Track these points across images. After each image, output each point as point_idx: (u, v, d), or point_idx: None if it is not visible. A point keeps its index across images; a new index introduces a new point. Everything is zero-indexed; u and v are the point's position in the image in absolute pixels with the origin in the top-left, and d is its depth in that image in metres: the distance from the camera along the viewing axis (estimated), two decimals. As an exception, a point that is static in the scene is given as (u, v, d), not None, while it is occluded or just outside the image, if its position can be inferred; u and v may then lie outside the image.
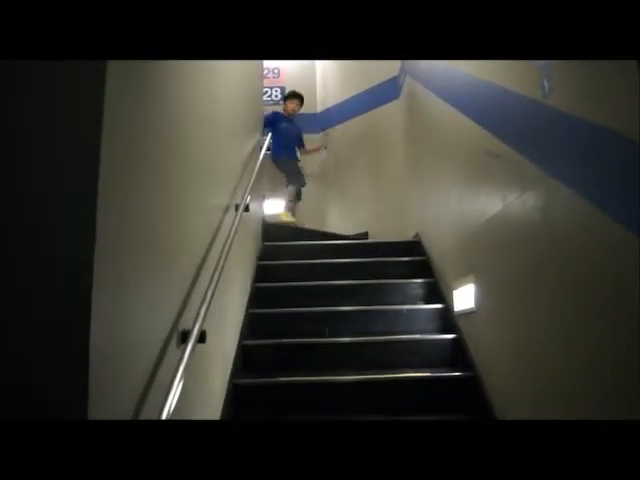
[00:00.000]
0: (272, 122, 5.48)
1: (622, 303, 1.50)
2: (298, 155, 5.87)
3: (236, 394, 2.67)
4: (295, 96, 5.84)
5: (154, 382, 1.42)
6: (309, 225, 5.41)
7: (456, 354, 3.02)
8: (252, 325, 3.31)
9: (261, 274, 3.88)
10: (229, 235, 2.39)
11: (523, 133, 2.15)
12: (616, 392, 1.58)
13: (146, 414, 1.32)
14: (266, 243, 4.42)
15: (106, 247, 1.11)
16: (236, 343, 2.97)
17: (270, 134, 4.96)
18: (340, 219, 6.03)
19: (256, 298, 3.57)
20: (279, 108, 5.98)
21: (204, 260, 2.07)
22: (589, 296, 1.67)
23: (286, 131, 5.61)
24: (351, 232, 5.39)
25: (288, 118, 5.75)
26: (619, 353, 1.53)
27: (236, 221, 2.59)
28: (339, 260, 3.97)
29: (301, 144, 5.91)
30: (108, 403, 1.13)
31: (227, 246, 2.26)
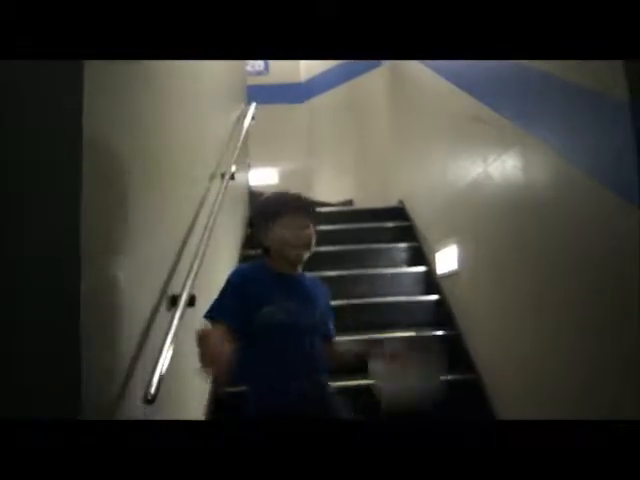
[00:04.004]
0: (242, 298, 1.50)
1: (602, 257, 1.57)
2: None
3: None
4: (299, 211, 1.61)
5: (145, 346, 1.46)
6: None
7: (439, 314, 3.11)
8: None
9: (249, 242, 3.91)
10: (215, 202, 2.42)
11: (504, 94, 2.18)
12: (599, 345, 1.66)
13: (137, 379, 1.35)
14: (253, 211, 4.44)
15: (94, 213, 1.14)
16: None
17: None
18: (325, 187, 6.05)
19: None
20: (262, 80, 5.78)
21: (192, 226, 2.11)
22: (570, 253, 1.74)
23: (286, 330, 1.51)
24: (337, 199, 5.42)
25: (288, 278, 1.61)
26: (600, 302, 1.60)
27: (222, 189, 2.61)
28: (324, 227, 4.01)
29: (327, 331, 1.67)
30: (99, 368, 1.16)
31: (214, 212, 2.30)
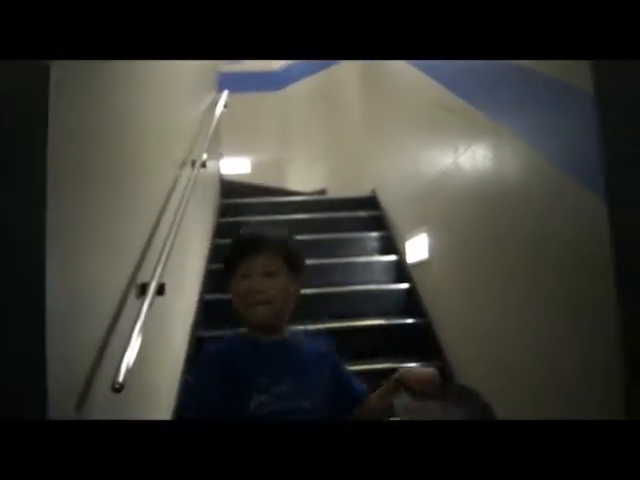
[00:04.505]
0: (223, 388, 1.12)
1: (568, 246, 1.61)
2: None
3: (198, 346, 2.72)
4: (254, 253, 1.19)
5: (113, 335, 1.44)
6: (268, 183, 5.41)
7: (410, 302, 3.14)
8: (213, 280, 3.34)
9: (221, 231, 3.89)
10: (186, 190, 2.39)
11: (475, 84, 2.21)
12: (565, 331, 1.70)
13: (105, 368, 1.34)
14: (224, 200, 4.41)
15: (60, 201, 1.12)
16: (197, 298, 3.01)
17: None
18: (298, 176, 6.05)
19: (216, 254, 3.59)
20: (235, 68, 5.69)
21: (162, 214, 2.08)
22: (537, 243, 1.78)
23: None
24: (309, 189, 5.42)
25: (271, 348, 1.20)
26: (565, 290, 1.65)
27: (193, 177, 2.59)
28: (297, 216, 4.02)
29: (355, 395, 1.27)
30: (65, 358, 1.14)
31: (184, 200, 2.27)
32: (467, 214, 2.35)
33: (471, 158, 2.26)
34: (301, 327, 1.29)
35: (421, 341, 2.85)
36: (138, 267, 1.74)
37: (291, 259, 1.19)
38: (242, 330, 1.22)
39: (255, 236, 1.21)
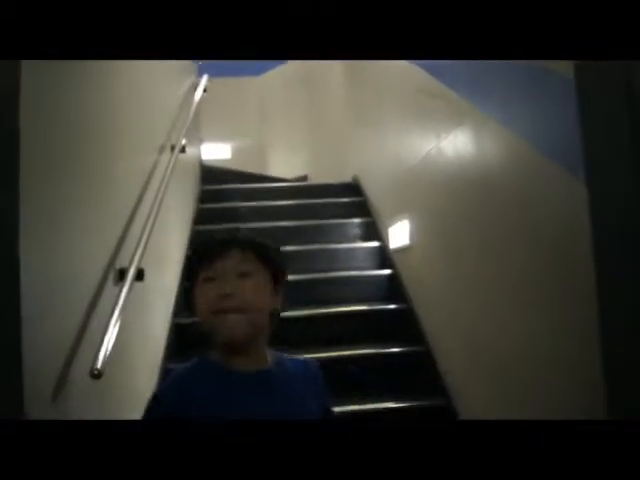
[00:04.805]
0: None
1: (549, 231, 1.61)
2: None
3: (178, 333, 2.70)
4: (223, 251, 0.96)
5: (91, 321, 1.42)
6: (249, 169, 5.36)
7: (392, 288, 3.15)
8: (193, 267, 3.32)
9: (201, 217, 3.85)
10: (165, 175, 2.35)
11: (456, 70, 2.20)
12: (546, 316, 1.72)
13: (83, 355, 1.31)
14: (205, 187, 4.37)
15: (34, 179, 1.09)
16: (177, 284, 2.98)
17: None
18: (280, 163, 6.01)
19: (196, 240, 3.55)
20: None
21: (141, 198, 2.05)
22: (519, 227, 1.78)
23: None
24: (291, 175, 5.39)
25: (247, 380, 0.95)
26: (547, 274, 1.66)
27: (172, 162, 2.54)
28: (279, 202, 3.99)
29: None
30: (42, 345, 1.12)
31: (163, 185, 2.24)
32: (449, 200, 2.35)
33: (453, 144, 2.26)
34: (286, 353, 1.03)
35: (403, 327, 2.86)
36: (116, 253, 1.71)
37: (270, 263, 0.96)
38: (212, 355, 0.96)
39: (225, 235, 0.98)
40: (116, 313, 1.47)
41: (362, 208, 3.95)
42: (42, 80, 1.16)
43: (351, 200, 4.07)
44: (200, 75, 4.64)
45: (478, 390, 2.17)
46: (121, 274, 1.69)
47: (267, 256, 0.97)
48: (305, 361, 1.05)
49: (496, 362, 1.96)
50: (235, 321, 0.90)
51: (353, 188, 4.23)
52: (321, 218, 3.82)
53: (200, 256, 0.96)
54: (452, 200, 2.32)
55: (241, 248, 0.95)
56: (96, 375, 1.26)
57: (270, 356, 0.98)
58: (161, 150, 2.61)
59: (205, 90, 4.06)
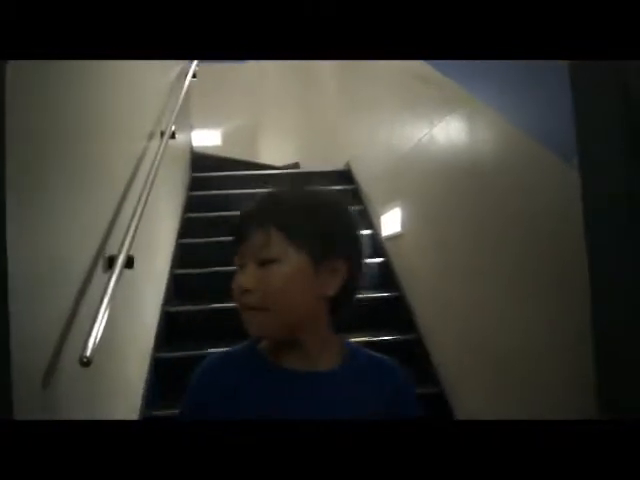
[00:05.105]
0: None
1: (542, 218, 1.61)
2: None
3: (168, 321, 2.68)
4: (246, 231, 0.75)
5: (81, 309, 1.40)
6: (240, 156, 5.32)
7: (384, 276, 3.15)
8: (183, 254, 3.29)
9: (191, 204, 3.82)
10: (154, 161, 2.32)
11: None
12: (538, 305, 1.72)
13: (72, 343, 1.30)
14: (195, 174, 4.33)
15: (20, 166, 1.06)
16: (167, 272, 2.96)
17: None
18: (271, 150, 5.96)
19: (186, 228, 3.53)
20: None
21: (130, 185, 2.02)
22: (511, 215, 1.77)
23: None
24: (282, 162, 5.35)
25: (302, 382, 0.76)
26: (540, 262, 1.65)
27: (162, 148, 2.51)
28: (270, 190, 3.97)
29: None
30: (30, 332, 1.10)
31: (153, 171, 2.21)
32: (442, 188, 2.34)
33: (445, 130, 2.25)
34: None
35: (395, 314, 2.86)
36: (105, 240, 1.68)
37: (307, 241, 0.72)
38: (263, 343, 0.79)
39: (248, 206, 0.77)
40: (105, 301, 1.46)
41: (354, 195, 3.93)
42: (25, 65, 1.12)
43: (343, 187, 4.05)
44: (190, 60, 4.58)
45: (470, 380, 2.18)
46: (110, 261, 1.67)
47: (301, 233, 0.72)
48: (388, 368, 0.80)
49: (489, 354, 1.97)
50: (257, 321, 0.73)
51: (345, 175, 4.21)
52: (313, 206, 3.81)
53: (234, 239, 0.76)
54: (445, 188, 2.31)
55: (262, 226, 0.72)
56: (85, 363, 1.25)
57: (339, 354, 0.78)
58: (150, 136, 2.57)
59: (195, 76, 4.00)
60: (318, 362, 0.76)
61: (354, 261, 0.76)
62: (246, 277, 0.73)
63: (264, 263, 0.72)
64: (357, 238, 0.80)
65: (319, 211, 0.76)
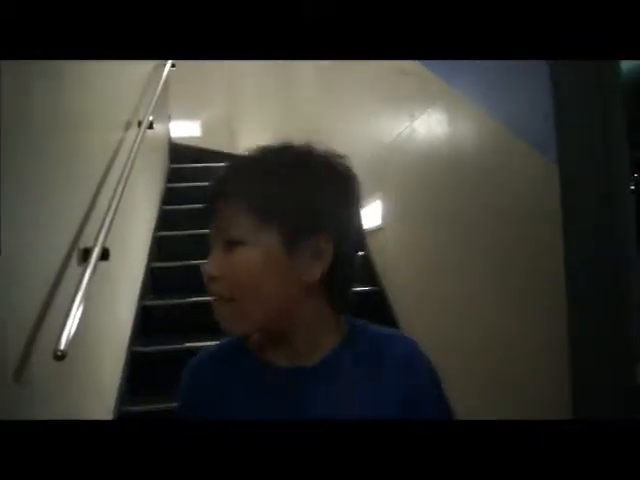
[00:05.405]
0: None
1: (521, 212, 1.62)
2: None
3: (145, 315, 2.65)
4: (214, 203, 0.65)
5: (54, 302, 1.37)
6: (219, 147, 5.26)
7: (364, 271, 3.14)
8: (161, 248, 3.25)
9: (170, 196, 3.77)
10: (131, 151, 2.28)
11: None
12: (516, 297, 1.73)
13: (46, 336, 1.27)
14: (173, 165, 4.27)
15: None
16: (144, 265, 2.91)
17: None
18: (251, 141, 5.89)
19: (164, 221, 3.48)
20: None
21: (106, 175, 1.98)
22: (491, 208, 1.78)
23: None
24: (262, 156, 5.31)
25: (290, 379, 0.66)
26: (517, 256, 1.66)
27: (139, 138, 2.46)
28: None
29: None
30: (1, 329, 1.07)
31: (130, 162, 2.16)
32: (421, 180, 2.34)
33: (426, 123, 2.25)
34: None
35: (375, 309, 2.86)
36: (80, 231, 1.64)
37: (280, 218, 0.61)
38: (253, 338, 0.70)
39: (218, 177, 0.67)
40: (80, 294, 1.43)
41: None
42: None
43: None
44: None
45: (447, 377, 2.19)
46: (85, 254, 1.63)
47: (269, 207, 0.61)
48: (394, 352, 0.68)
49: (467, 350, 1.97)
50: (224, 313, 0.63)
51: (325, 169, 4.20)
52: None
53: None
54: (424, 181, 2.31)
55: (226, 201, 0.62)
56: (59, 357, 1.23)
57: (334, 341, 0.67)
58: (127, 126, 2.52)
59: (173, 65, 3.94)
60: (308, 356, 0.66)
61: (341, 238, 0.62)
62: (211, 262, 0.63)
63: (231, 246, 0.62)
64: (345, 208, 0.65)
65: (292, 178, 0.62)
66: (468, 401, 1.91)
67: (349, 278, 0.66)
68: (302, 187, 0.62)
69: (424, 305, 2.43)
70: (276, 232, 0.61)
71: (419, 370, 0.69)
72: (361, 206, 0.69)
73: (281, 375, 0.66)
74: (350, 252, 0.65)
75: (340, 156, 0.70)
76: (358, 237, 0.68)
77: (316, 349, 0.66)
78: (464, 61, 1.87)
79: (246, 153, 0.69)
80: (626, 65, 1.47)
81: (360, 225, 0.68)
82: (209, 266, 0.63)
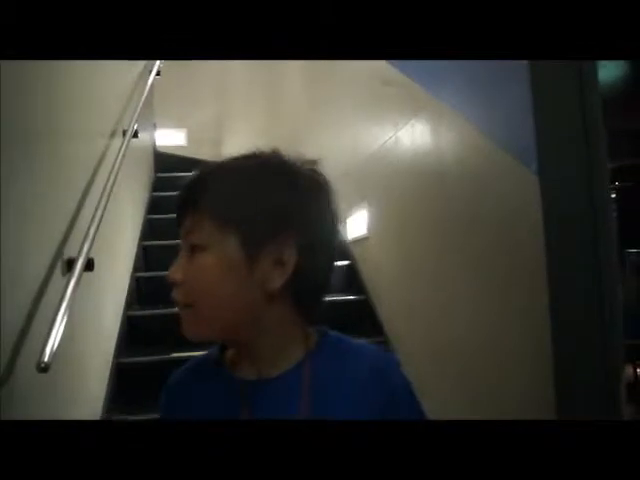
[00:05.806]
0: None
1: (502, 223, 1.64)
2: None
3: (130, 325, 2.63)
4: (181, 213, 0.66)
5: (38, 313, 1.36)
6: (205, 156, 5.25)
7: (349, 279, 3.15)
8: (146, 258, 3.23)
9: (155, 206, 3.75)
10: (116, 160, 2.27)
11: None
12: (500, 307, 1.74)
13: (29, 348, 1.25)
14: (159, 174, 4.26)
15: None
16: (129, 275, 2.89)
17: None
18: (237, 150, 5.91)
19: (150, 230, 3.46)
20: None
21: (90, 185, 1.96)
22: (474, 219, 1.80)
23: None
24: (248, 164, 5.31)
25: (259, 392, 0.65)
26: (499, 266, 1.68)
27: (123, 147, 2.45)
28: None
29: None
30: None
31: (114, 171, 2.15)
32: (405, 190, 2.36)
33: (410, 133, 2.27)
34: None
35: (361, 318, 2.87)
36: (64, 241, 1.63)
37: (241, 222, 0.61)
38: (228, 352, 0.70)
39: (186, 181, 0.66)
40: (64, 304, 1.42)
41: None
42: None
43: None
44: (154, 59, 4.50)
45: (434, 384, 2.20)
46: (69, 264, 1.62)
47: (229, 213, 0.61)
48: (357, 362, 0.67)
49: (453, 357, 1.98)
50: (185, 319, 0.63)
51: (311, 178, 4.21)
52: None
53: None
54: (409, 190, 2.33)
55: (191, 206, 0.63)
56: (43, 368, 1.22)
57: (301, 352, 0.65)
58: (112, 135, 2.51)
59: (159, 73, 3.93)
60: (272, 367, 0.64)
61: (308, 247, 0.61)
62: (175, 267, 0.63)
63: (194, 251, 0.62)
64: (313, 215, 0.63)
65: (255, 184, 0.62)
66: (455, 404, 1.92)
67: (318, 287, 0.65)
68: (264, 193, 0.62)
69: (410, 313, 2.44)
70: (236, 237, 0.60)
71: (391, 386, 0.65)
72: (334, 214, 0.67)
73: (246, 388, 0.64)
74: (319, 261, 0.63)
75: (312, 162, 0.69)
76: (328, 245, 0.66)
77: (282, 360, 0.65)
78: (449, 71, 1.90)
79: (216, 160, 0.68)
80: (604, 77, 1.50)
81: (332, 233, 0.66)
82: (172, 271, 0.63)
